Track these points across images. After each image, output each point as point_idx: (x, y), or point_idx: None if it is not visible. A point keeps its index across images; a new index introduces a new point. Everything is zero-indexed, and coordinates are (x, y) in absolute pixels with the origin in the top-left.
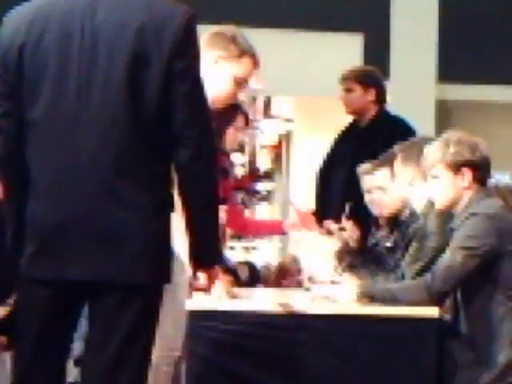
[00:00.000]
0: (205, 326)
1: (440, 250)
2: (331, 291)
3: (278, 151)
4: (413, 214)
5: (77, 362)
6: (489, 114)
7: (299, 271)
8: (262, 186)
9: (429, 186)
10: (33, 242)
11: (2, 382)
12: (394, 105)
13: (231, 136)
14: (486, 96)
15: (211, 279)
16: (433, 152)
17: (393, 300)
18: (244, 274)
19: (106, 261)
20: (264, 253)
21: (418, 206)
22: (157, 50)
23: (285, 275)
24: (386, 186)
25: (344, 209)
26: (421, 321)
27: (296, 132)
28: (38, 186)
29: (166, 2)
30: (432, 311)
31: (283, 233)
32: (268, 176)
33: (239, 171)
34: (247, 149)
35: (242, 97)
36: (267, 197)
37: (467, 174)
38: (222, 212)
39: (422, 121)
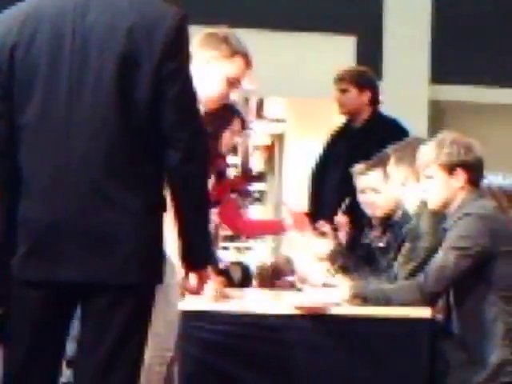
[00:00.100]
0: (197, 327)
1: (433, 251)
2: (323, 294)
3: (271, 152)
4: (405, 214)
5: (69, 364)
6: (482, 115)
7: (292, 272)
8: (254, 187)
9: (422, 187)
10: (25, 243)
11: None
12: (387, 106)
13: (227, 139)
14: (479, 97)
15: (202, 281)
16: (427, 152)
17: (386, 301)
18: (237, 274)
19: (97, 262)
20: (257, 253)
21: (411, 207)
22: (147, 51)
23: (278, 276)
24: (379, 187)
25: (338, 209)
26: (413, 321)
27: (288, 133)
28: (31, 186)
29: (157, 4)
30: (424, 312)
31: (284, 231)
32: (261, 177)
33: (232, 172)
34: (240, 150)
35: (235, 97)
36: (260, 198)
37: (461, 175)
38: (214, 215)
39: (414, 121)
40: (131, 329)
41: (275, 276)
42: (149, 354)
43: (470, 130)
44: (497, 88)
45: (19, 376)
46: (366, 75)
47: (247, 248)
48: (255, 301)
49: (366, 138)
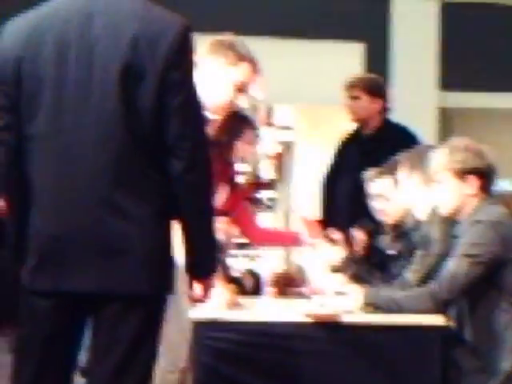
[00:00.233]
0: (209, 336)
1: (443, 257)
2: (336, 302)
3: (281, 160)
4: (417, 221)
5: (83, 373)
6: (490, 122)
7: (304, 281)
8: (264, 195)
9: (434, 193)
10: (35, 255)
11: None
12: (396, 113)
13: (240, 149)
14: (488, 103)
15: (206, 290)
16: (439, 159)
17: (398, 309)
18: (249, 282)
19: (107, 272)
20: (268, 261)
21: (422, 214)
22: (151, 61)
23: (290, 285)
24: (389, 195)
25: (351, 216)
26: (426, 329)
27: (298, 140)
28: (39, 197)
29: (161, 13)
30: (437, 319)
31: (301, 244)
32: (271, 185)
33: (242, 180)
34: (249, 158)
35: (244, 104)
36: (270, 205)
37: (473, 182)
38: (226, 223)
39: (423, 128)
40: (141, 339)
41: (287, 285)
42: (161, 363)
43: (479, 137)
44: (506, 94)
45: None
46: (378, 83)
47: (258, 256)
48: (267, 309)
49: (377, 145)
